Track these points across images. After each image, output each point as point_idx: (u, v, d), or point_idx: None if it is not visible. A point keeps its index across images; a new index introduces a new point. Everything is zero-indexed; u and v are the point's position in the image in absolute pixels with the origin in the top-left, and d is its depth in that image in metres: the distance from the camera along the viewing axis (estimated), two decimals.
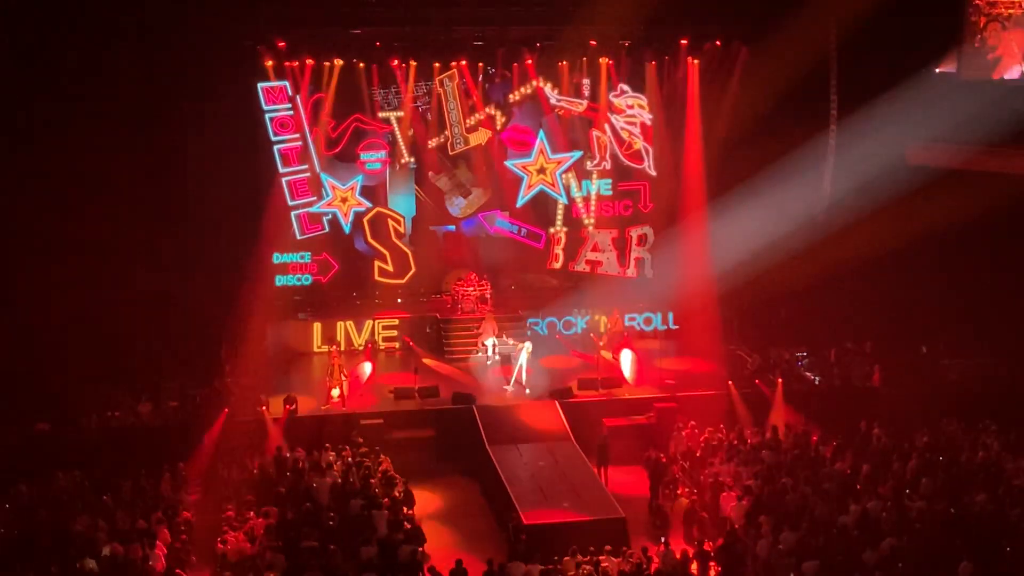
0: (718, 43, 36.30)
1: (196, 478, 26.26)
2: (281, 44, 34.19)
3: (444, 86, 35.86)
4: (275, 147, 34.56)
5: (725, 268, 34.00)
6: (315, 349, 34.63)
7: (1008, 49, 32.21)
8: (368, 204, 35.93)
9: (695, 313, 34.85)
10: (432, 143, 36.39)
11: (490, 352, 32.71)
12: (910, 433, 27.74)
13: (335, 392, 29.85)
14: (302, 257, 35.52)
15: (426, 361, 33.09)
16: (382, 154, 36.19)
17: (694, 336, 34.35)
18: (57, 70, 30.54)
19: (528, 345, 31.28)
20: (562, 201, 37.24)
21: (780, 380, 30.47)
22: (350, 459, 26.16)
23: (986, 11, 32.43)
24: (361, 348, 34.22)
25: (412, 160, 36.59)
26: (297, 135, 34.73)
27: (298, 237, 35.18)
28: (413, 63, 35.52)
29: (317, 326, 34.94)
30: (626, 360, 31.77)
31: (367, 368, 31.43)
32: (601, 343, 32.04)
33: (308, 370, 33.38)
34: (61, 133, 30.52)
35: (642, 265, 36.70)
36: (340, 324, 34.67)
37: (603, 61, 36.25)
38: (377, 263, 35.92)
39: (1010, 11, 32.23)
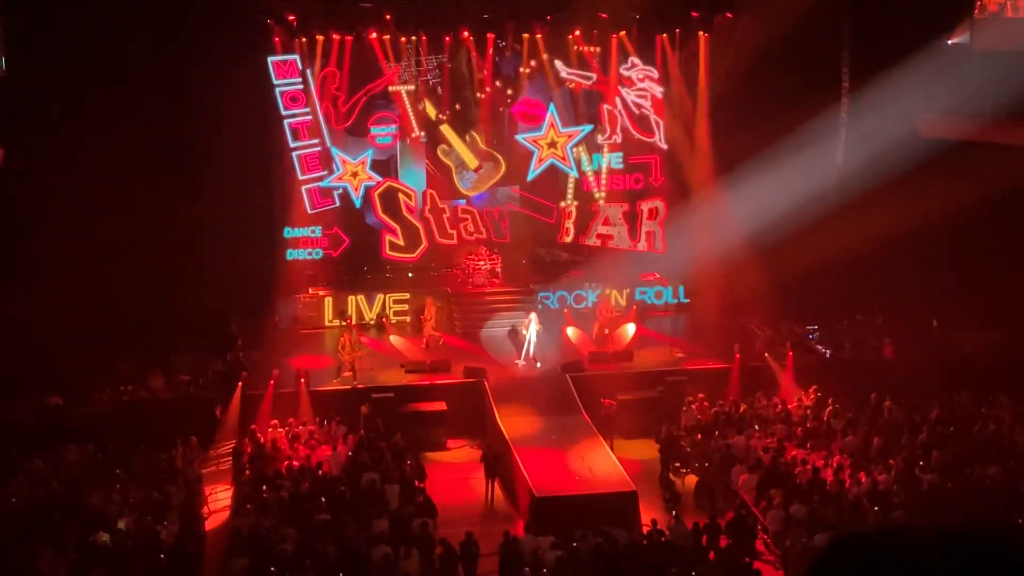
0: (729, 15, 36.13)
1: (209, 452, 26.43)
2: (291, 18, 34.15)
3: (454, 59, 35.77)
4: (285, 121, 34.53)
5: (736, 241, 33.95)
6: (326, 323, 34.67)
7: None
8: (379, 178, 35.86)
9: (706, 287, 34.86)
10: (442, 117, 36.32)
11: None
12: (921, 406, 27.79)
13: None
14: (313, 232, 35.47)
15: (436, 335, 33.14)
16: (392, 128, 36.11)
17: (705, 309, 34.37)
18: (69, 43, 30.52)
19: (533, 316, 31.30)
20: (573, 175, 37.15)
21: (791, 353, 30.50)
22: (362, 433, 26.25)
23: None
24: (372, 322, 34.35)
25: (423, 134, 36.51)
26: (307, 109, 34.68)
27: (309, 212, 35.13)
28: (424, 36, 35.44)
29: (328, 300, 34.95)
30: (630, 333, 31.89)
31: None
32: (605, 330, 32.26)
33: (320, 344, 33.44)
34: (72, 107, 30.54)
35: (653, 239, 36.62)
36: (351, 298, 34.69)
37: (614, 34, 36.15)
38: (388, 238, 35.84)
39: None
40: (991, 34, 32.63)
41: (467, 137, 36.61)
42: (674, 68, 36.98)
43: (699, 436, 26.85)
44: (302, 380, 28.77)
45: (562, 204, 37.25)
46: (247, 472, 24.34)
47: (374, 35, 34.99)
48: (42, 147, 30.61)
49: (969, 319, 32.73)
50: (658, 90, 36.55)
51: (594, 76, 36.51)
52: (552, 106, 36.35)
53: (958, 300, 32.77)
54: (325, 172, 35.08)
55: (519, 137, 36.63)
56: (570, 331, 31.32)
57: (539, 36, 35.73)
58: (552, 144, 36.23)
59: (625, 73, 36.42)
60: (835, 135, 35.75)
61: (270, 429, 26.58)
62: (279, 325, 34.48)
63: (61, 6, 30.64)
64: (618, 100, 36.59)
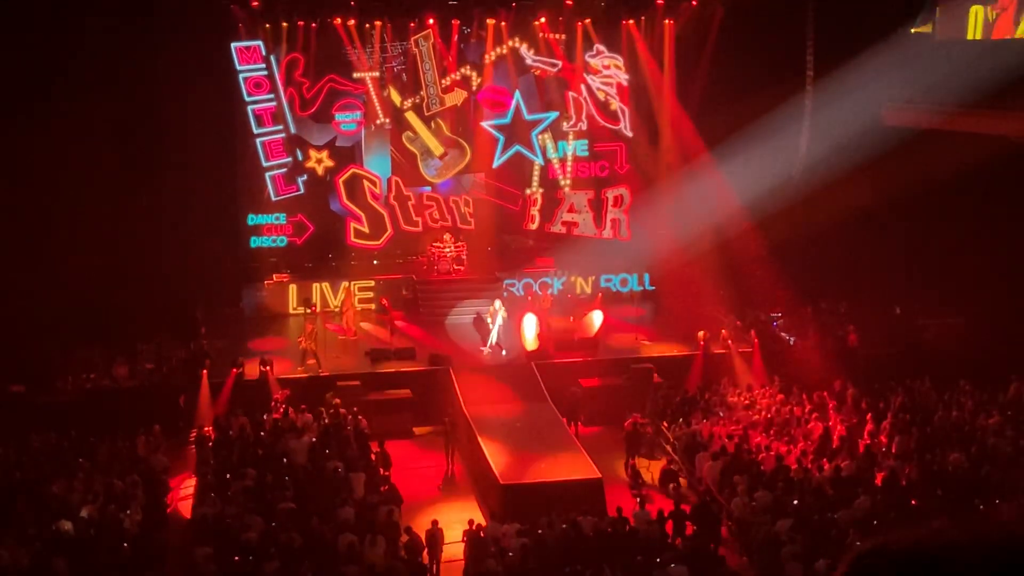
0: (694, 3, 36.18)
1: (172, 440, 26.29)
2: (255, 3, 33.93)
3: (419, 46, 35.67)
4: (249, 107, 34.37)
5: (701, 229, 34.04)
6: (291, 311, 34.56)
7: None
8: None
9: (671, 274, 34.92)
10: (407, 104, 36.23)
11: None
12: (885, 393, 27.94)
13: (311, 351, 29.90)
14: (277, 219, 35.36)
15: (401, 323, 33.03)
16: (357, 115, 35.99)
17: (670, 297, 34.46)
18: (26, 25, 30.18)
19: (497, 304, 31.21)
20: (538, 162, 37.18)
21: (756, 340, 30.62)
22: (327, 421, 26.18)
23: None
24: (337, 310, 34.25)
25: (387, 121, 36.39)
26: (271, 95, 34.53)
27: (273, 199, 35.03)
28: (388, 23, 35.32)
29: (293, 288, 34.85)
30: (597, 320, 31.86)
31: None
32: (571, 317, 32.27)
33: (284, 332, 33.32)
34: (32, 95, 30.22)
35: (618, 226, 36.67)
36: (316, 286, 34.59)
37: (579, 21, 36.17)
38: (353, 225, 35.76)
39: None
40: (954, 22, 32.82)
41: (432, 124, 36.53)
42: (639, 56, 37.02)
43: (664, 423, 26.96)
44: (267, 368, 28.64)
45: (527, 191, 37.25)
46: (211, 460, 24.24)
47: (338, 21, 34.85)
48: None
49: (932, 306, 32.95)
50: (623, 77, 36.60)
51: (559, 63, 36.51)
52: (517, 93, 36.38)
53: (921, 287, 32.99)
54: (289, 159, 34.97)
55: (485, 124, 36.61)
56: (528, 319, 31.15)
57: (504, 23, 35.69)
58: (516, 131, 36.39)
59: (590, 60, 36.45)
60: (799, 123, 35.88)
61: (234, 417, 26.44)
62: (243, 313, 34.35)
63: None
64: (583, 87, 36.61)
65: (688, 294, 33.93)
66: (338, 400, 27.40)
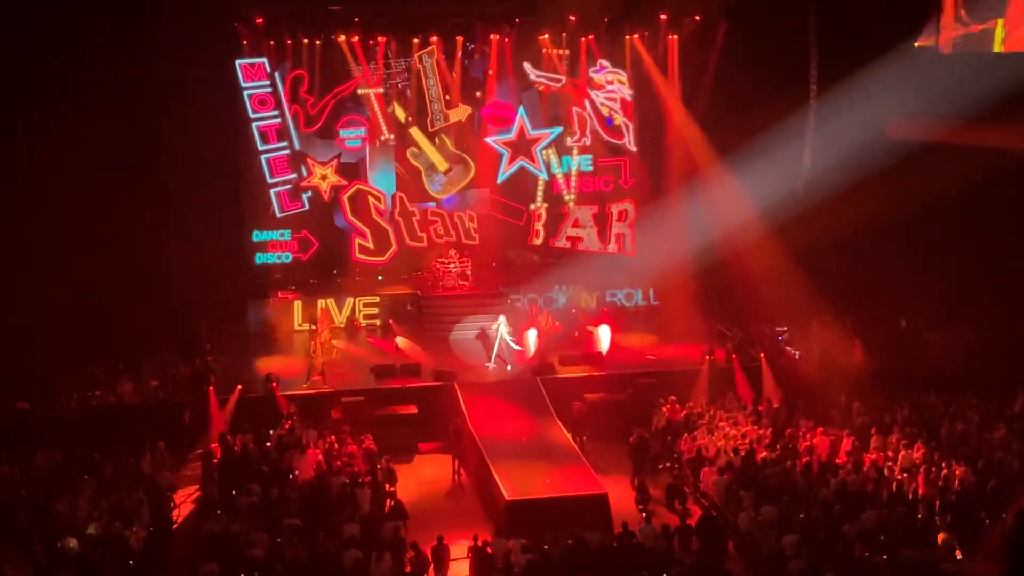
0: (697, 18, 36.27)
1: (177, 457, 26.25)
2: (259, 20, 34.03)
3: (423, 62, 35.76)
4: (254, 124, 34.44)
5: (706, 243, 34.04)
6: (296, 327, 34.55)
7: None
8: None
9: (676, 289, 34.89)
10: (411, 119, 36.30)
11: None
12: (891, 406, 27.87)
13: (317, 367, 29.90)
14: (282, 235, 35.41)
15: (401, 339, 32.91)
16: (361, 131, 36.05)
17: (675, 312, 34.40)
18: (32, 46, 30.25)
19: (502, 319, 31.17)
20: (542, 177, 37.21)
21: (761, 355, 30.57)
22: (332, 437, 26.15)
23: None
24: (342, 325, 34.26)
25: (391, 137, 36.44)
26: (276, 112, 34.60)
27: (278, 215, 35.08)
28: (392, 39, 35.41)
29: (298, 304, 34.86)
30: (604, 335, 31.81)
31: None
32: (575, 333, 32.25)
33: (290, 348, 33.31)
34: (37, 111, 30.29)
35: (623, 241, 36.67)
36: (321, 302, 34.57)
37: (583, 37, 36.25)
38: (357, 241, 35.78)
39: None
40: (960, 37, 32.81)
41: (436, 140, 36.59)
42: (643, 71, 37.07)
43: (669, 438, 26.91)
44: (273, 384, 28.61)
45: (532, 207, 37.27)
46: (216, 477, 24.21)
47: (342, 38, 34.93)
48: (2, 149, 30.28)
49: (936, 319, 32.89)
50: (627, 92, 36.66)
51: (563, 78, 36.58)
52: (522, 108, 36.45)
53: (926, 301, 32.93)
54: (294, 175, 35.02)
55: (489, 140, 36.65)
56: (530, 334, 31.11)
57: (507, 39, 35.78)
58: (521, 146, 36.39)
59: (594, 76, 36.52)
60: (803, 137, 35.88)
61: (239, 434, 26.41)
62: (248, 329, 34.34)
63: (23, 3, 30.33)
64: (587, 102, 36.67)
65: (693, 308, 33.88)
66: (343, 416, 27.43)
